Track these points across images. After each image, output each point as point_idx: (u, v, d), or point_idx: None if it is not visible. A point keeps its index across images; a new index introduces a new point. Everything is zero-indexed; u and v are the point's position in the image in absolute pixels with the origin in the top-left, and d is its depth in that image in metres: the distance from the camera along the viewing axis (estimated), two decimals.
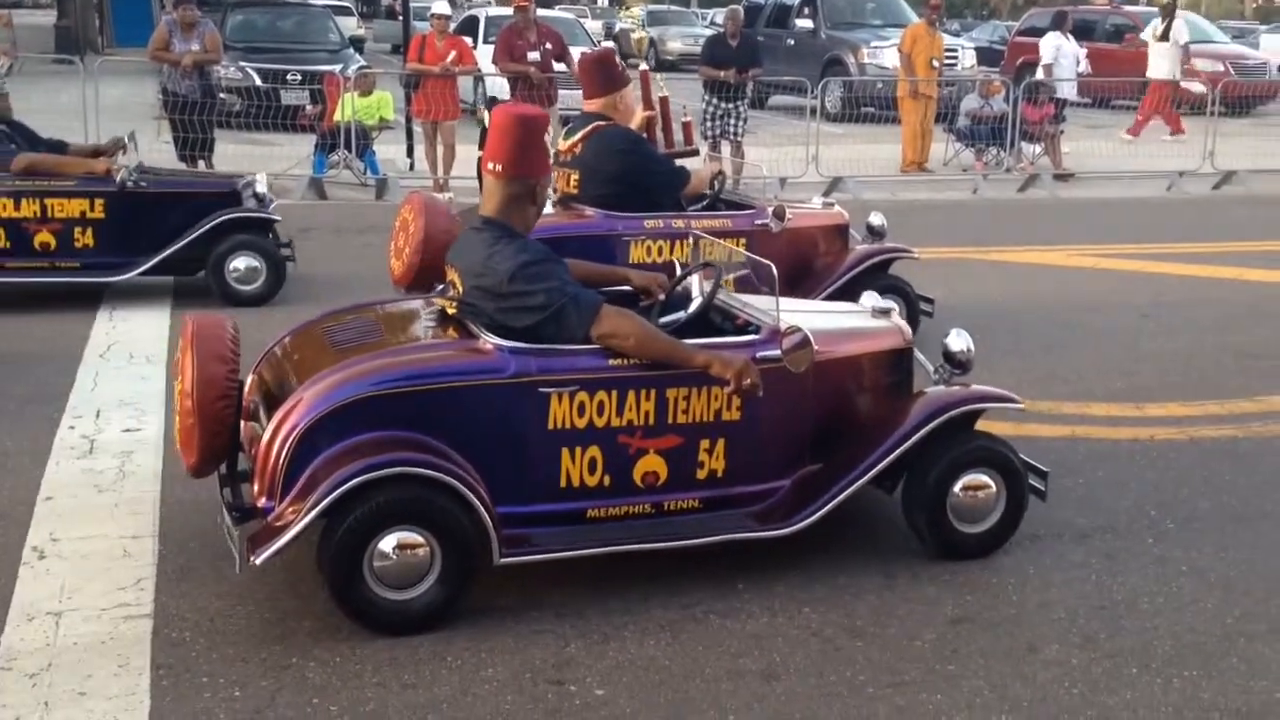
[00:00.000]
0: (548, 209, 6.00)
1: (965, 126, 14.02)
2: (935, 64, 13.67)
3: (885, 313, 4.34)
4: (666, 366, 3.70)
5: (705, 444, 3.82)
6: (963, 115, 14.03)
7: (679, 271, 4.50)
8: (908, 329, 4.36)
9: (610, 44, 15.53)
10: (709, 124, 12.21)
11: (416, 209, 5.82)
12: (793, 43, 20.11)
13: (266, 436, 3.49)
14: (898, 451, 3.91)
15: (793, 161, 12.77)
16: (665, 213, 6.01)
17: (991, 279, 8.62)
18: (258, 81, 14.14)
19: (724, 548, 3.88)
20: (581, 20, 21.37)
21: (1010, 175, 13.48)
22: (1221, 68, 19.44)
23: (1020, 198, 12.86)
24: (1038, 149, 14.02)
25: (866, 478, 3.91)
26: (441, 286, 4.24)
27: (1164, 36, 15.55)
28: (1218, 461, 5.09)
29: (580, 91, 6.22)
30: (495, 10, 16.41)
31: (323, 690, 3.24)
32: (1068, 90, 14.17)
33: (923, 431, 3.93)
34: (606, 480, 3.73)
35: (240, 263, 7.30)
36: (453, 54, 11.56)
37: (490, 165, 3.73)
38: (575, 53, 12.41)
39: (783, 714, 3.19)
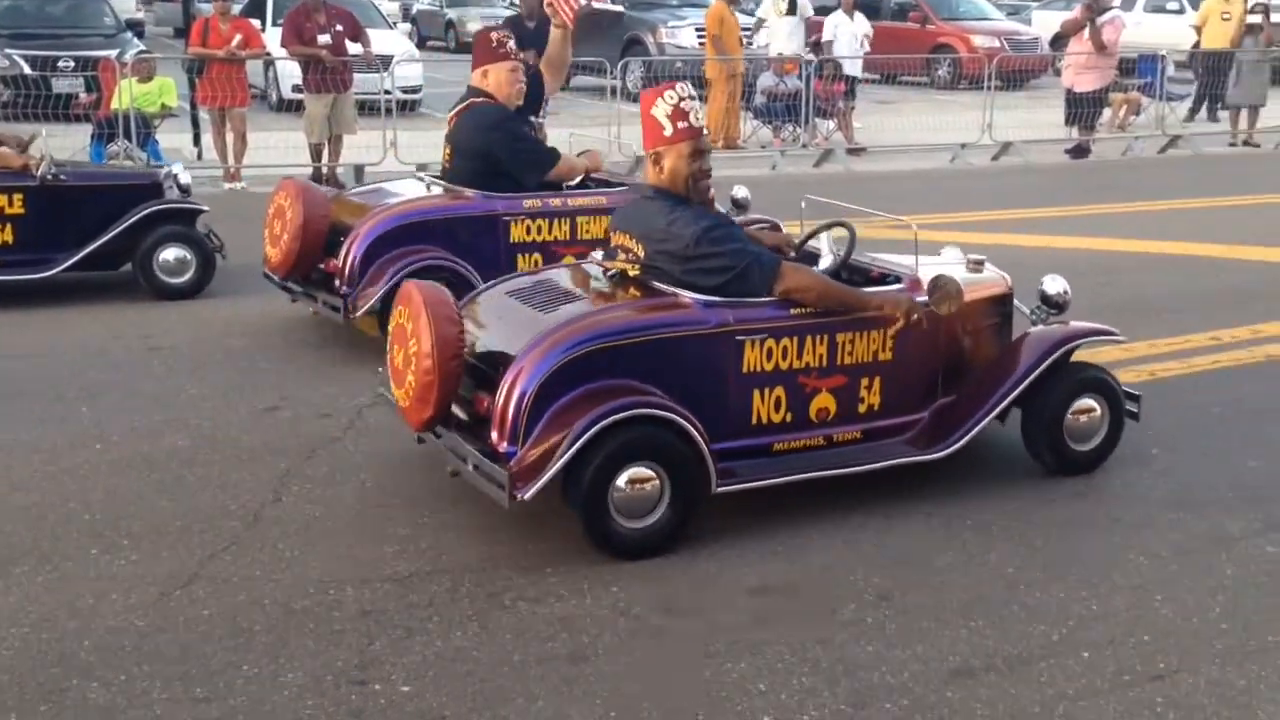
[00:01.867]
0: (435, 189, 6.29)
1: (762, 104, 14.35)
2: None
3: (979, 264, 4.79)
4: (843, 312, 4.19)
5: (865, 381, 4.35)
6: (759, 93, 14.34)
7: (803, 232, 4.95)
8: (1008, 276, 4.89)
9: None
10: None
11: (293, 195, 5.89)
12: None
13: (505, 390, 3.87)
14: (1028, 381, 4.46)
15: (595, 143, 12.78)
16: (543, 193, 6.12)
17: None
18: (26, 69, 13.34)
19: (531, 519, 3.87)
20: (376, 1, 20.82)
21: (806, 150, 13.85)
22: (997, 43, 20.44)
23: (816, 172, 13.23)
24: (831, 125, 14.46)
25: (1003, 405, 4.46)
26: (605, 251, 4.53)
27: (790, 10, 14.77)
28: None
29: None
30: None
31: (108, 712, 3.08)
32: (851, 67, 14.63)
33: (1047, 363, 4.50)
34: (788, 416, 4.24)
35: (169, 254, 7.13)
36: (238, 37, 11.11)
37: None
38: (372, 35, 12.16)
39: (591, 695, 3.20)
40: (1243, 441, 5.05)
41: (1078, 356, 4.72)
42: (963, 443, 4.39)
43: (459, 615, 3.58)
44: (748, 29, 16.04)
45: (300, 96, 11.73)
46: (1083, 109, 14.30)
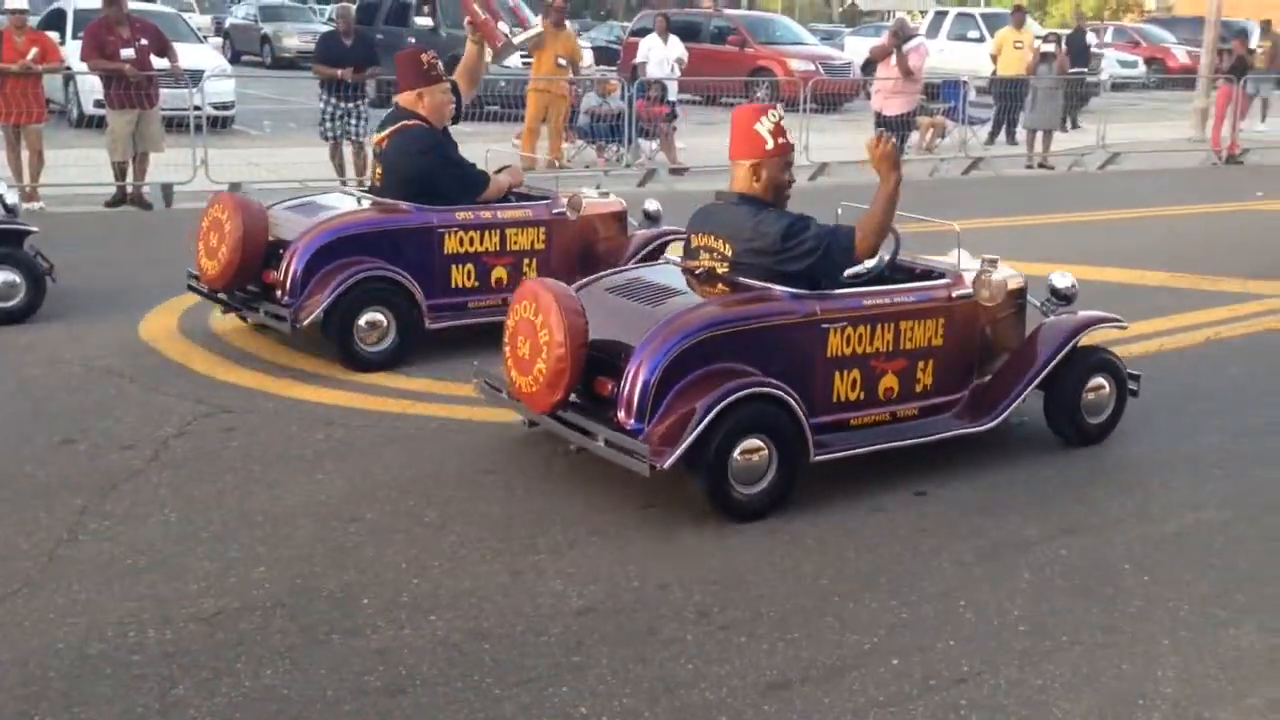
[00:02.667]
0: (366, 203, 6.55)
1: (586, 124, 14.43)
2: (562, 62, 13.94)
3: (993, 262, 5.23)
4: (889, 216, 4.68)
5: (921, 364, 4.93)
6: (583, 113, 14.42)
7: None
8: (1022, 275, 5.44)
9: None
10: (329, 124, 11.84)
11: (231, 208, 6.14)
12: (413, 40, 19.91)
13: (631, 374, 4.37)
14: (1055, 361, 5.13)
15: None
16: (474, 206, 6.47)
17: None
18: None
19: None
20: (186, 14, 20.10)
21: (630, 170, 13.99)
22: (812, 67, 21.10)
23: (640, 191, 13.33)
24: (654, 145, 14.65)
25: (1035, 383, 5.12)
26: (685, 254, 5.04)
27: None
28: None
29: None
30: (84, 3, 15.11)
31: None
32: (670, 90, 14.85)
33: (1070, 346, 5.18)
34: (862, 395, 4.79)
35: None
36: (34, 50, 10.53)
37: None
38: (181, 49, 11.71)
39: None
40: (1041, 452, 5.31)
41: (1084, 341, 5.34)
42: (1004, 416, 5.06)
43: (269, 652, 3.46)
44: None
45: (103, 113, 11.21)
46: (892, 131, 14.85)
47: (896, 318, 4.85)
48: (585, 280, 5.06)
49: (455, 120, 6.64)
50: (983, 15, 27.67)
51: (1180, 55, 27.68)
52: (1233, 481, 5.00)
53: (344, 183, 11.21)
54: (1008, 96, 17.13)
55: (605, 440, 4.39)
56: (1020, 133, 16.88)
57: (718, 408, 4.26)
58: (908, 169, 14.72)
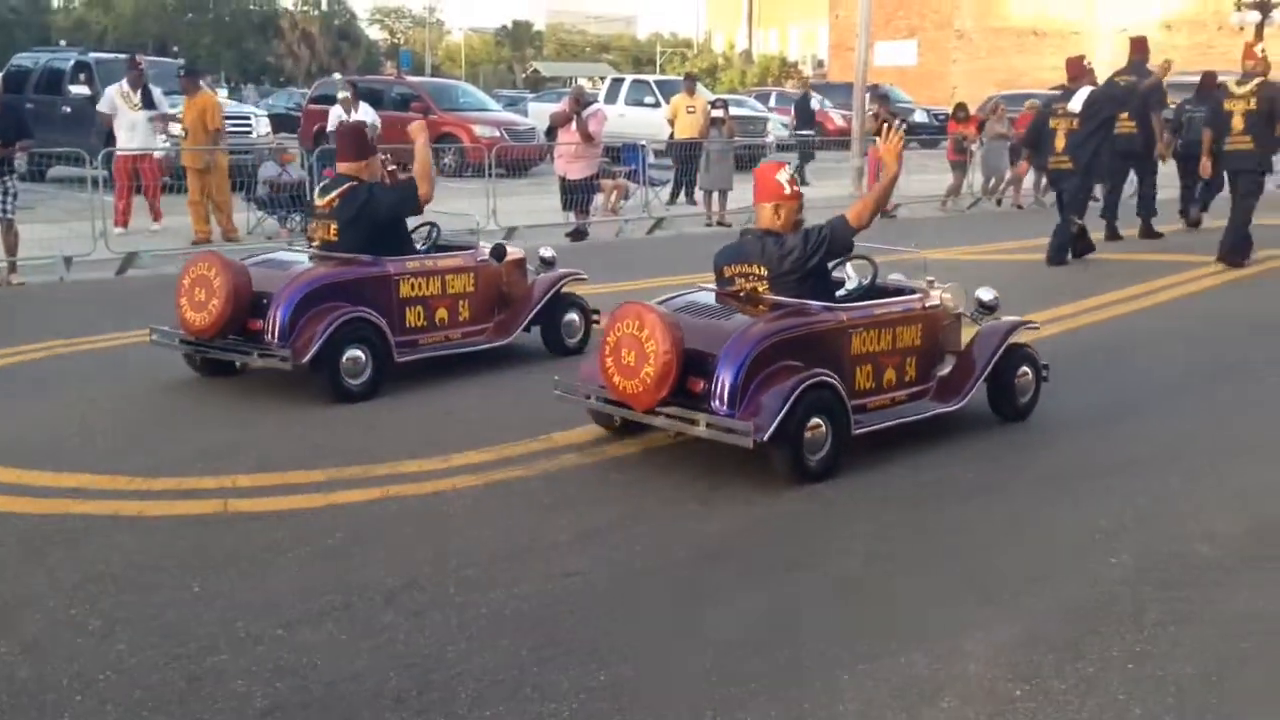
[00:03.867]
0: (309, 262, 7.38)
1: (266, 195, 13.97)
2: (176, 130, 13.65)
3: (931, 283, 6.59)
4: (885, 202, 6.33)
5: (909, 360, 6.35)
6: (261, 183, 13.96)
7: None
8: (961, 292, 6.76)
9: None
10: None
11: (218, 266, 6.94)
12: (69, 110, 18.71)
13: (721, 373, 5.58)
14: (1000, 352, 6.63)
15: (79, 238, 11.87)
16: (419, 255, 7.68)
17: None
18: None
19: None
20: None
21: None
22: (497, 133, 21.39)
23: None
24: None
25: (988, 370, 6.57)
26: (719, 281, 6.27)
27: (145, 104, 14.16)
28: (513, 502, 5.47)
29: None
30: None
31: None
32: None
33: (1009, 341, 6.72)
34: (872, 384, 6.14)
35: None
36: None
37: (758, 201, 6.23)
38: None
39: None
40: (727, 502, 5.51)
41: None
42: (968, 399, 6.49)
43: None
44: (243, 118, 15.64)
45: None
46: (576, 195, 15.24)
47: (894, 324, 6.26)
48: (654, 303, 6.00)
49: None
50: (657, 82, 28.97)
51: (837, 118, 29.92)
52: (905, 514, 5.36)
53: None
54: (685, 159, 17.97)
55: (707, 424, 5.56)
56: (699, 193, 17.71)
57: (796, 392, 5.49)
58: (595, 229, 15.28)
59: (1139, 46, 14.49)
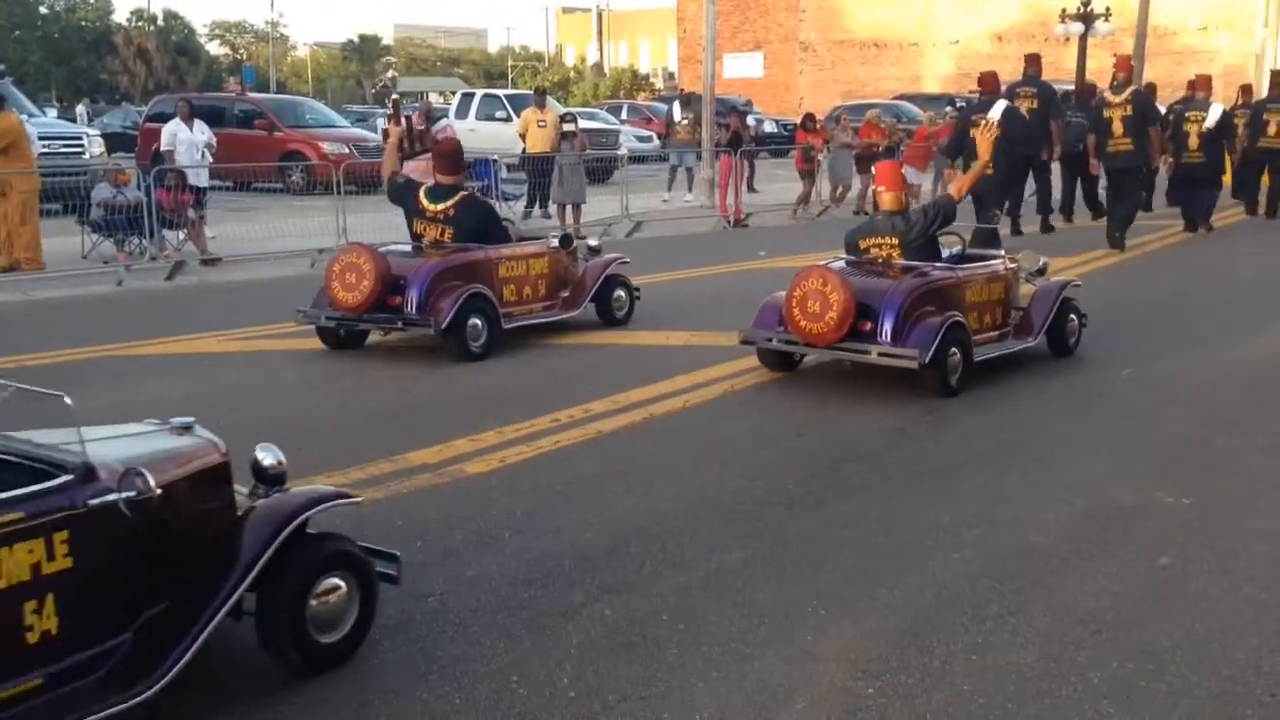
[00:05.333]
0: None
1: (100, 217, 13.45)
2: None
3: (1020, 253, 8.78)
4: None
5: (999, 309, 8.41)
6: (96, 205, 13.44)
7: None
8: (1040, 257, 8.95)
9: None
10: None
11: (366, 254, 8.66)
12: None
13: (886, 316, 7.47)
14: (1058, 303, 8.65)
15: None
16: (506, 242, 9.53)
17: (133, 375, 8.29)
18: None
19: None
20: None
21: (156, 264, 13.19)
22: (346, 150, 21.03)
23: (170, 285, 12.65)
24: (181, 235, 13.92)
25: (1051, 317, 8.63)
26: (851, 252, 8.28)
27: None
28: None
29: None
30: None
31: None
32: (196, 177, 14.26)
33: (1061, 296, 8.61)
34: (978, 325, 8.08)
35: None
36: None
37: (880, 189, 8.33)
38: None
39: None
40: (582, 514, 5.51)
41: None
42: (1039, 336, 8.55)
43: None
44: (75, 138, 15.04)
45: None
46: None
47: (990, 281, 8.24)
48: (817, 268, 7.75)
49: None
50: (508, 96, 28.90)
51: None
52: (749, 524, 5.44)
53: None
54: (538, 172, 17.96)
55: (879, 353, 7.43)
56: (553, 206, 17.72)
57: (944, 328, 7.43)
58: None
59: (1033, 61, 16.17)
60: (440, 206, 9.14)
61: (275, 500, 3.97)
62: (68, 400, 3.32)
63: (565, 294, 9.86)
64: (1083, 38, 27.16)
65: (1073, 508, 5.60)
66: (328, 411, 7.40)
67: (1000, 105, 14.29)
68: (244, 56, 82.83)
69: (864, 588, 4.68)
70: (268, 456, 4.08)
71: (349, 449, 6.42)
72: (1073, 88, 18.07)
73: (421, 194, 9.25)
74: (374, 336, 9.27)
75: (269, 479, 4.07)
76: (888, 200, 8.14)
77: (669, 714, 3.72)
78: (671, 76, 58.82)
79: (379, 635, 4.17)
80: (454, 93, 37.76)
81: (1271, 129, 17.70)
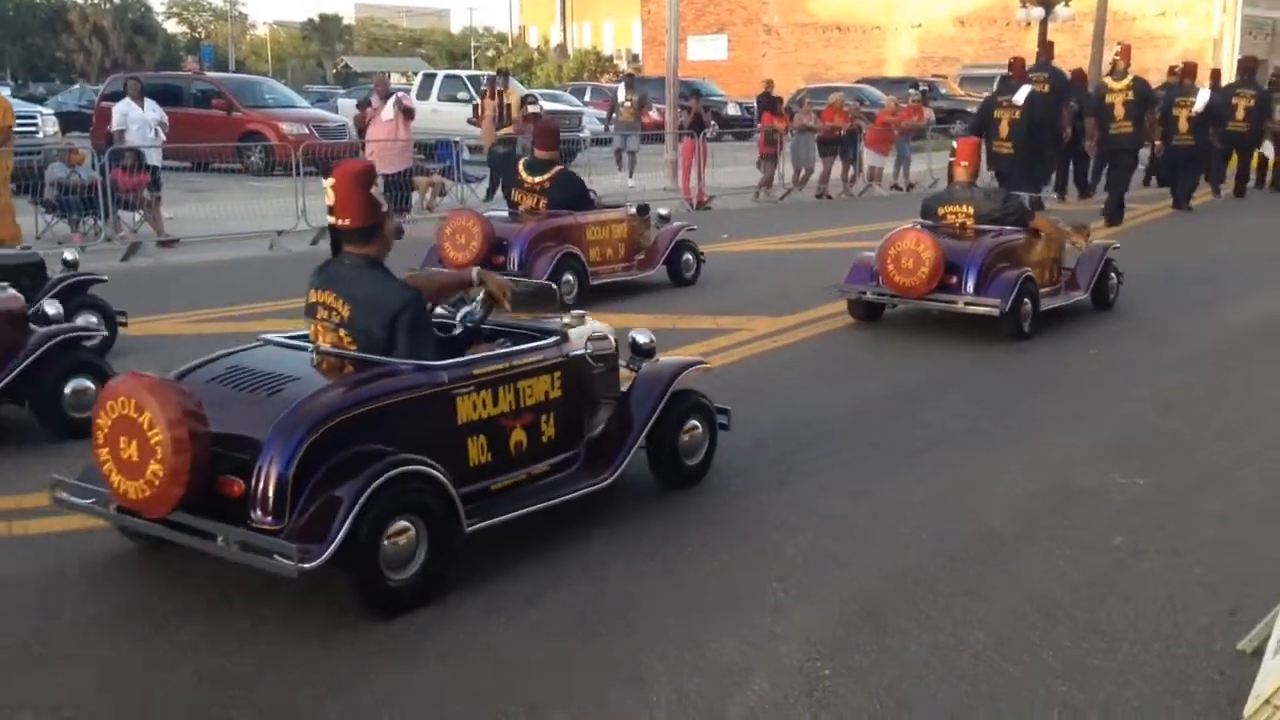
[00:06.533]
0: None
1: (54, 197, 13.25)
2: None
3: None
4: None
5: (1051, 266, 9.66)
6: (49, 185, 13.23)
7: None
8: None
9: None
10: None
11: (474, 218, 10.02)
12: None
13: (974, 272, 8.55)
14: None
15: None
16: (592, 210, 10.66)
17: None
18: None
19: None
20: None
21: (111, 245, 13.01)
22: (306, 130, 20.79)
23: (125, 267, 12.46)
24: (137, 216, 13.73)
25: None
26: (926, 215, 9.39)
27: None
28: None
29: None
30: None
31: None
32: (153, 156, 14.06)
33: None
34: (1039, 276, 9.15)
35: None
36: None
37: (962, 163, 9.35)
38: None
39: None
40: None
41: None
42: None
43: None
44: (29, 117, 14.78)
45: None
46: (392, 192, 14.94)
47: (1047, 242, 9.39)
48: (900, 233, 8.93)
49: None
50: (469, 77, 28.68)
51: (652, 112, 30.16)
52: (710, 507, 5.46)
53: None
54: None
55: (964, 303, 8.61)
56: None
57: (1020, 279, 8.62)
58: (411, 228, 15.05)
59: (1046, 49, 17.63)
60: (538, 179, 10.30)
61: (658, 365, 5.53)
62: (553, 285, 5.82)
63: (640, 256, 10.93)
64: (1043, 23, 27.32)
65: (1030, 489, 5.65)
66: None
67: (1025, 89, 15.25)
68: (202, 35, 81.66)
69: (824, 568, 4.71)
70: (642, 336, 5.61)
71: None
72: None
73: (521, 166, 10.53)
74: None
75: (643, 352, 5.54)
76: (961, 173, 9.21)
77: (625, 694, 3.72)
78: (635, 59, 58.59)
79: None
80: (416, 73, 37.45)
81: (1239, 114, 18.18)
